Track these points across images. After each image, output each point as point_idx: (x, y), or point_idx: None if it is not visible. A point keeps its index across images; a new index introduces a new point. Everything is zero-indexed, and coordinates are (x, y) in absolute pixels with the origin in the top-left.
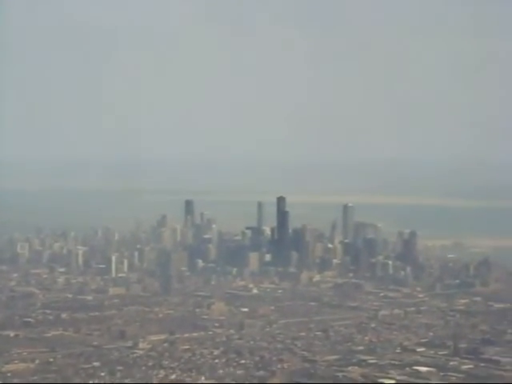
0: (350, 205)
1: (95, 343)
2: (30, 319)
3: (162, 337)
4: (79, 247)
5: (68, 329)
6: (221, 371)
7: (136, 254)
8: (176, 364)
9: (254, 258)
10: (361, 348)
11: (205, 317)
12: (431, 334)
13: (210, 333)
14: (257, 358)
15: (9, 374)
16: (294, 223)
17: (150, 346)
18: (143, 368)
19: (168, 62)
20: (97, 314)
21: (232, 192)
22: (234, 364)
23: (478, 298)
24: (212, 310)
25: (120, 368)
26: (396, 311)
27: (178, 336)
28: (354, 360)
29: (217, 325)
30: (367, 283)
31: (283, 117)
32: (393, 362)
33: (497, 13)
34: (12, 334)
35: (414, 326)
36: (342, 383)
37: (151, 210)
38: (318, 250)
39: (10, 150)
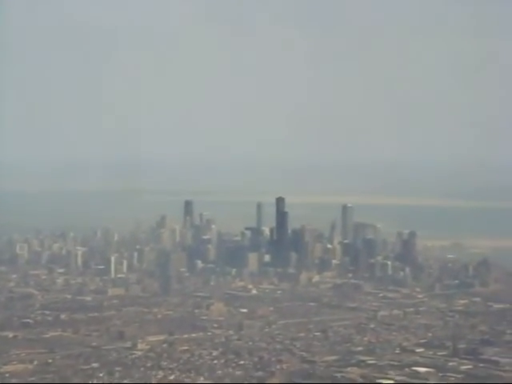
0: (349, 205)
1: (94, 344)
2: (28, 320)
3: (161, 337)
4: (78, 248)
5: (67, 330)
6: (219, 372)
7: (135, 254)
8: (175, 365)
9: (253, 258)
10: (360, 349)
11: (204, 317)
12: (430, 334)
13: (209, 333)
14: (256, 359)
15: (7, 375)
16: (293, 224)
17: (148, 347)
18: (142, 369)
19: (167, 62)
20: (96, 314)
21: (231, 192)
22: (233, 365)
23: (478, 299)
24: (211, 310)
25: (118, 369)
26: (395, 312)
27: (176, 337)
28: (353, 361)
29: (216, 325)
30: (366, 284)
31: (283, 117)
32: (392, 362)
33: (497, 12)
34: (11, 335)
35: (413, 327)
36: (340, 383)
37: (150, 210)
38: (317, 251)
39: (9, 151)
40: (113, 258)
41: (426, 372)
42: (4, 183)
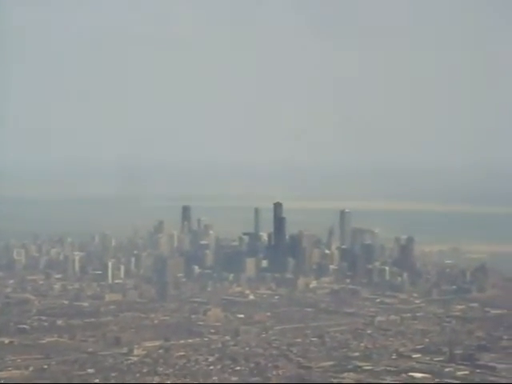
0: (346, 211)
1: (90, 350)
2: (25, 326)
3: (157, 343)
4: (76, 253)
5: (63, 335)
6: (215, 378)
7: (133, 260)
8: (171, 370)
9: (250, 263)
10: (356, 354)
11: (200, 323)
12: (427, 340)
13: (206, 339)
14: (252, 365)
15: (2, 381)
16: (291, 229)
17: (144, 353)
18: (137, 375)
19: (167, 66)
20: (92, 320)
21: (229, 198)
22: (229, 370)
23: (475, 304)
24: (208, 316)
25: (114, 374)
26: (392, 317)
27: (173, 342)
28: (350, 366)
29: (212, 331)
30: (364, 289)
31: (281, 122)
32: (388, 368)
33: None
34: (6, 341)
35: (410, 332)
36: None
37: (148, 215)
38: (314, 256)
39: (7, 157)
40: (110, 264)
41: (423, 377)
42: (1, 189)
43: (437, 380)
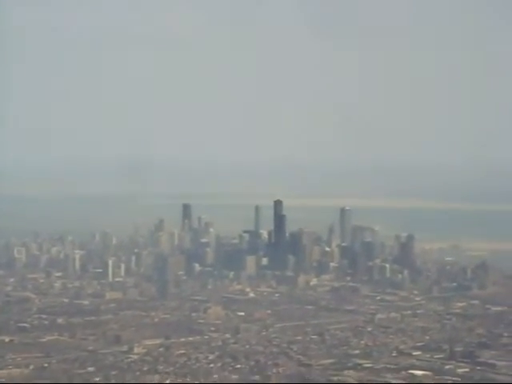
0: (347, 208)
1: (90, 348)
2: (25, 324)
3: (158, 341)
4: (76, 251)
5: (63, 334)
6: (216, 376)
7: (133, 258)
8: (171, 369)
9: (251, 261)
10: (357, 352)
11: (201, 321)
12: (427, 337)
13: (206, 337)
14: (252, 363)
15: (3, 380)
16: (291, 226)
17: (145, 351)
18: (137, 373)
19: (168, 64)
20: (93, 318)
21: (230, 195)
22: (230, 368)
23: (476, 301)
24: (208, 314)
25: (114, 373)
26: (393, 315)
27: (173, 340)
28: (350, 364)
29: (213, 329)
30: (364, 287)
31: (281, 120)
32: (388, 365)
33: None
34: (7, 340)
35: (411, 330)
36: (337, 383)
37: (149, 213)
38: (315, 254)
39: (7, 155)
40: (110, 262)
41: (423, 375)
42: (2, 187)
43: (437, 378)
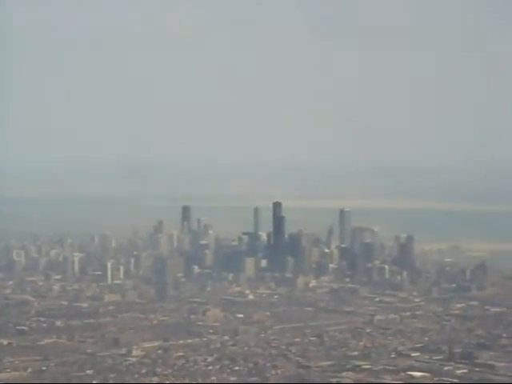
0: (346, 209)
1: (89, 351)
2: (23, 327)
3: (156, 344)
4: (76, 254)
5: (62, 336)
6: (214, 378)
7: (132, 260)
8: (169, 371)
9: (250, 263)
10: (355, 353)
11: (200, 323)
12: (426, 338)
13: (205, 339)
14: (251, 365)
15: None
16: (290, 228)
17: (143, 353)
18: (136, 375)
19: (168, 64)
20: (91, 321)
21: (229, 197)
22: (228, 370)
23: (475, 302)
24: (207, 316)
25: (113, 375)
26: (391, 316)
27: (172, 343)
28: (349, 365)
29: (211, 331)
30: (363, 288)
31: (281, 121)
32: (387, 367)
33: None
34: (5, 343)
35: (410, 331)
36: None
37: (148, 216)
38: (314, 255)
39: (7, 157)
40: (109, 264)
41: (422, 376)
42: (1, 189)
43: (436, 379)
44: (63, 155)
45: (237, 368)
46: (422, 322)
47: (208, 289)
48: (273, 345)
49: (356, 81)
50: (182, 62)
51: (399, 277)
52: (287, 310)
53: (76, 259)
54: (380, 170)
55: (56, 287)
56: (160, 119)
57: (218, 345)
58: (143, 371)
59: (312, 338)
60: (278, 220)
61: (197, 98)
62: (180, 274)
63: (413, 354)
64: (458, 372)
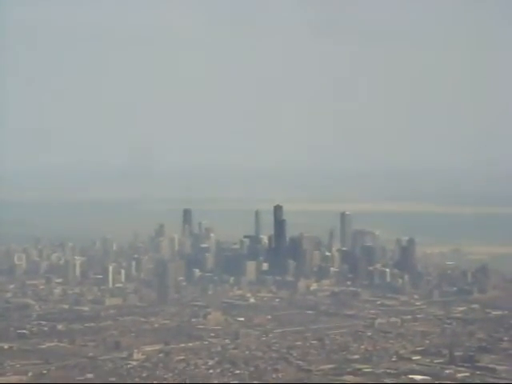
0: (347, 213)
1: (90, 354)
2: (24, 331)
3: (157, 347)
4: (77, 258)
5: (63, 340)
6: (215, 381)
7: (133, 264)
8: (170, 375)
9: (251, 266)
10: (356, 357)
11: (201, 327)
12: (427, 342)
13: (206, 343)
14: (251, 368)
15: None
16: (291, 231)
17: (144, 357)
18: (136, 379)
19: (167, 69)
20: (92, 324)
21: (230, 201)
22: (229, 374)
23: (476, 306)
24: (208, 319)
25: (113, 379)
26: (393, 319)
27: (172, 346)
28: (349, 369)
29: (212, 335)
30: (364, 291)
31: (281, 125)
32: (388, 370)
33: None
34: (6, 346)
35: (411, 334)
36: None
37: (149, 219)
38: (315, 259)
39: (8, 161)
40: (111, 268)
41: (422, 380)
42: (2, 193)
43: (437, 382)
44: (64, 159)
45: (237, 372)
46: (423, 325)
47: (209, 292)
48: (273, 348)
49: (356, 83)
50: (181, 65)
51: (400, 280)
52: (288, 313)
53: (77, 263)
54: (381, 173)
55: (57, 291)
56: (161, 123)
57: (219, 348)
58: (144, 375)
59: (313, 342)
60: (279, 223)
61: (197, 100)
62: (181, 278)
63: (414, 358)
64: (459, 375)
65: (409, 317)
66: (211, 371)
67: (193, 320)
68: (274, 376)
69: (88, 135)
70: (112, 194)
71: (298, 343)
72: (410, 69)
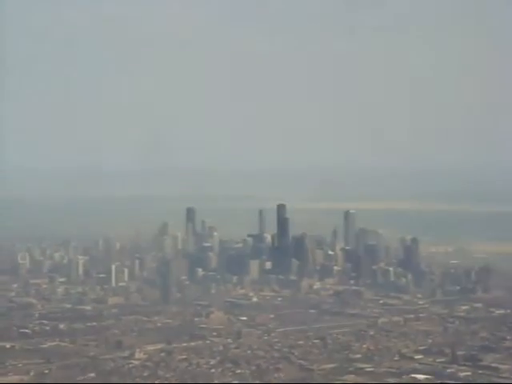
0: (351, 211)
1: (92, 354)
2: (27, 330)
3: (159, 346)
4: (80, 257)
5: (65, 339)
6: (216, 381)
7: (137, 262)
8: (171, 374)
9: (254, 265)
10: (358, 356)
11: (203, 326)
12: (430, 341)
13: (208, 342)
14: (253, 368)
15: None
16: (295, 230)
17: (146, 356)
18: (137, 379)
19: (168, 69)
20: (94, 324)
21: (233, 199)
22: (230, 373)
23: (479, 305)
24: (211, 318)
25: (115, 379)
26: (395, 318)
27: (175, 345)
28: (351, 368)
29: (215, 334)
30: (368, 290)
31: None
32: (390, 369)
33: None
34: (8, 346)
35: (413, 334)
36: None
37: (153, 217)
38: (318, 257)
39: (11, 160)
40: (114, 267)
41: (425, 379)
42: (6, 192)
43: (439, 381)
44: (67, 159)
45: (239, 371)
46: (425, 324)
47: (212, 291)
48: (276, 347)
49: (357, 83)
50: (183, 65)
51: (404, 279)
52: (291, 312)
53: (80, 262)
54: (384, 172)
55: (60, 290)
56: (165, 122)
57: (221, 347)
58: (145, 374)
59: (315, 341)
60: (283, 222)
61: (200, 100)
62: (184, 277)
63: (416, 357)
64: (462, 374)
65: (412, 316)
66: (213, 370)
67: (195, 319)
68: (275, 375)
69: (91, 134)
70: (115, 193)
71: (300, 342)
72: (412, 65)
